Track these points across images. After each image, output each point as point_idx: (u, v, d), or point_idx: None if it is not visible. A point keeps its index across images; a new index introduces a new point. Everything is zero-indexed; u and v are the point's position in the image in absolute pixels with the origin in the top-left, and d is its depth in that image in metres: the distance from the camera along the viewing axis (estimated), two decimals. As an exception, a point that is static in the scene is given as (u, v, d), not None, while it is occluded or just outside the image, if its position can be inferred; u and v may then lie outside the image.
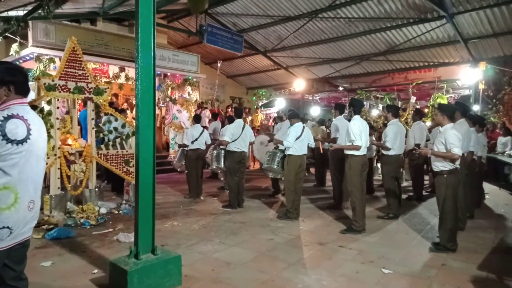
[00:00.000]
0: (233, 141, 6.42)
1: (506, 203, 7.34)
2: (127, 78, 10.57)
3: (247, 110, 14.04)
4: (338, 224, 5.63)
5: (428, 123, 9.52)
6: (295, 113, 6.16)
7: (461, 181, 4.77)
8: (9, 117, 1.90)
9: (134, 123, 7.03)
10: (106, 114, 6.22)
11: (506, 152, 9.26)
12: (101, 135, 6.14)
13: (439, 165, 4.49)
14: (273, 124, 11.32)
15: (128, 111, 11.14)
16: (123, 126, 6.39)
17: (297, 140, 5.71)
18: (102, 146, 6.13)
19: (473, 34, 9.54)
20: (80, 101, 6.73)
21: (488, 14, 8.63)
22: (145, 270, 3.10)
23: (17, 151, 1.91)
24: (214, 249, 4.44)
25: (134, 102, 12.38)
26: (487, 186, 7.95)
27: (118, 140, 6.34)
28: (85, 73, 5.78)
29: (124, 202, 6.54)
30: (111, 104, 7.59)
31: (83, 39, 9.04)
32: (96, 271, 3.69)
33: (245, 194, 7.02)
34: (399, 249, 4.60)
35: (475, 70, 10.55)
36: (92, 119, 6.02)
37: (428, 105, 12.28)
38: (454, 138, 4.32)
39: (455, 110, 4.91)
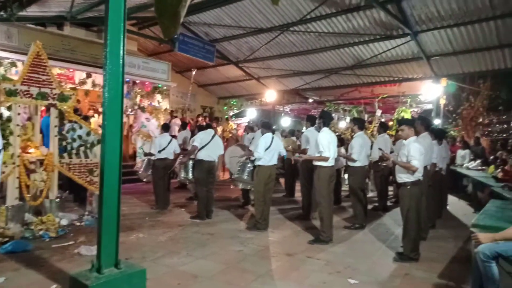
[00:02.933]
0: (201, 149, 6.35)
1: (465, 213, 7.68)
2: (94, 84, 10.29)
3: (218, 120, 13.96)
4: (307, 235, 5.67)
5: (386, 135, 9.77)
6: (268, 124, 6.21)
7: (423, 192, 4.96)
8: None
9: (100, 131, 6.87)
10: (70, 121, 6.00)
11: (465, 165, 9.74)
12: (64, 143, 5.90)
13: (403, 177, 4.65)
14: (243, 134, 11.32)
15: (94, 118, 10.83)
16: (88, 134, 6.18)
17: (267, 150, 5.74)
18: (65, 154, 5.89)
19: (435, 52, 10.04)
20: (43, 107, 6.46)
21: (449, 33, 9.13)
22: (108, 285, 2.98)
23: None
24: (181, 261, 4.34)
25: (100, 109, 12.09)
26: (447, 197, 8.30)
27: (82, 148, 6.11)
28: (50, 79, 5.56)
29: (86, 213, 6.28)
30: (75, 111, 7.32)
31: (49, 43, 8.71)
32: (54, 286, 3.51)
33: (214, 204, 6.94)
34: (365, 259, 4.69)
35: (436, 85, 11.08)
36: (55, 126, 5.77)
37: (393, 118, 12.75)
38: (415, 151, 4.50)
39: (414, 122, 5.15)
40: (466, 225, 6.69)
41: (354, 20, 9.33)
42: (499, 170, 7.42)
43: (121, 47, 3.21)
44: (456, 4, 7.96)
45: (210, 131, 6.54)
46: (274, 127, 9.89)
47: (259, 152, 5.65)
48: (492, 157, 9.23)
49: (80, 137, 6.07)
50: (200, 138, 6.36)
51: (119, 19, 3.17)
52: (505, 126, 13.91)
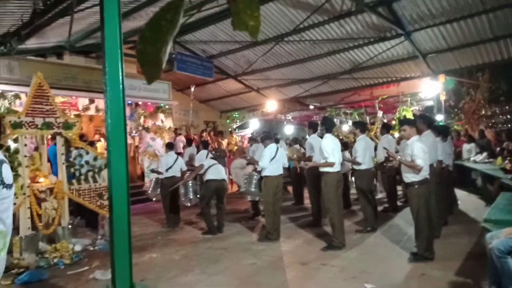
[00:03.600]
0: (208, 169, 6.41)
1: (476, 208, 7.63)
2: (97, 109, 10.43)
3: (219, 137, 13.98)
4: (319, 242, 5.67)
5: (396, 134, 9.81)
6: (268, 135, 6.27)
7: (431, 190, 4.96)
8: (2, 161, 1.84)
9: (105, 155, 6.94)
10: (76, 148, 6.09)
11: (472, 159, 9.69)
12: (72, 169, 5.99)
13: (409, 177, 4.66)
14: (248, 146, 11.39)
15: (100, 143, 10.95)
16: (95, 159, 6.27)
17: (272, 161, 5.78)
18: (74, 181, 5.97)
19: (430, 49, 10.09)
20: (48, 136, 6.58)
21: (442, 30, 9.18)
22: (125, 308, 3.00)
23: (8, 195, 1.84)
24: (196, 279, 4.35)
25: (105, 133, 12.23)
26: (457, 193, 8.24)
27: (90, 173, 6.19)
28: (53, 108, 5.68)
29: (99, 237, 6.32)
30: (81, 137, 7.44)
31: (50, 73, 8.87)
32: (73, 313, 3.54)
33: (225, 218, 6.96)
34: (380, 263, 4.68)
35: (435, 82, 11.10)
36: (62, 154, 5.87)
37: (395, 118, 12.75)
38: (418, 150, 4.52)
39: (415, 121, 5.17)
40: (478, 220, 6.65)
41: (347, 25, 9.44)
42: (507, 161, 7.38)
43: (120, 73, 3.29)
44: (446, 1, 8.03)
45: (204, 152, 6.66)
46: (278, 136, 10.01)
47: (264, 162, 5.69)
48: (498, 148, 9.17)
49: (87, 162, 6.16)
50: (208, 162, 6.46)
51: (115, 46, 3.26)
52: (508, 116, 13.87)
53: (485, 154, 9.37)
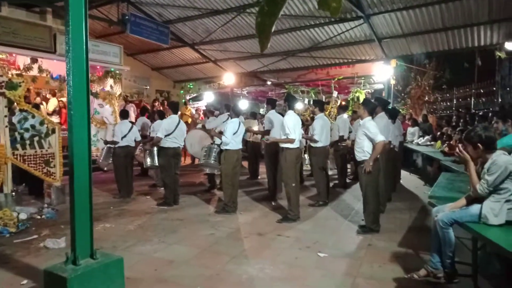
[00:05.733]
0: (166, 136, 6.24)
1: (416, 186, 8.28)
2: (40, 69, 9.61)
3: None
4: (275, 215, 5.85)
5: (345, 115, 10.06)
6: (238, 109, 6.22)
7: (381, 168, 5.29)
8: None
9: (52, 120, 6.50)
10: (21, 110, 5.62)
11: (415, 141, 10.42)
12: (15, 134, 5.54)
13: (361, 156, 4.92)
14: (203, 118, 11.22)
15: (42, 106, 10.19)
16: (41, 123, 5.85)
17: (234, 135, 5.77)
18: (18, 145, 5.53)
19: (386, 34, 10.49)
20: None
21: (398, 16, 9.56)
22: (86, 276, 2.92)
23: None
24: (154, 248, 4.33)
25: (47, 96, 11.36)
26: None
27: (36, 139, 5.78)
28: (-5, 65, 5.15)
29: (46, 205, 6.01)
30: (25, 99, 6.85)
31: (-15, 26, 8.00)
32: (25, 281, 3.38)
33: (180, 190, 6.88)
34: (331, 234, 4.96)
35: (387, 67, 11.63)
36: (5, 116, 5.38)
37: (348, 99, 13.24)
38: (374, 129, 4.77)
39: (376, 106, 5.42)
40: (418, 196, 7.25)
41: (310, 2, 9.46)
42: (445, 145, 8.04)
43: (84, 33, 3.07)
44: (405, -12, 8.35)
45: (175, 118, 6.41)
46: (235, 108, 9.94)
47: (227, 137, 5.67)
48: (439, 133, 9.94)
49: (33, 126, 5.74)
50: (165, 128, 6.20)
51: (80, 4, 3.02)
52: (448, 103, 14.98)
53: (427, 137, 10.13)
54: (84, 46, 3.10)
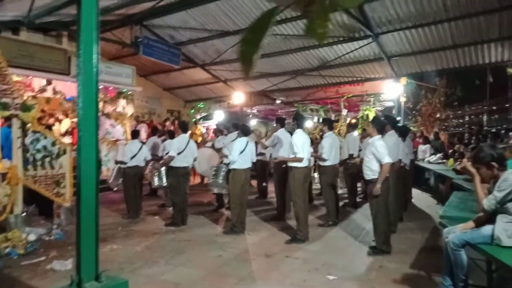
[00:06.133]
0: (177, 155, 6.28)
1: (428, 205, 8.10)
2: (54, 92, 9.86)
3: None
4: (283, 235, 5.77)
5: (355, 133, 10.03)
6: (246, 128, 6.23)
7: (390, 187, 5.20)
8: None
9: (63, 141, 6.62)
10: (34, 131, 5.73)
11: (426, 159, 10.26)
12: (27, 154, 5.63)
13: (370, 174, 4.85)
14: (214, 137, 11.28)
15: (55, 127, 10.40)
16: (53, 144, 5.94)
17: (241, 154, 5.78)
18: (29, 166, 5.62)
19: (395, 52, 10.49)
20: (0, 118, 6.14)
21: (407, 35, 9.58)
22: (90, 300, 2.90)
23: None
24: (161, 270, 4.29)
25: (60, 117, 11.60)
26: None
27: (47, 159, 5.86)
28: (10, 88, 5.30)
29: (55, 226, 6.03)
30: (39, 120, 7.01)
31: (4, 49, 8.23)
32: (30, 305, 3.36)
33: (188, 210, 6.87)
34: (341, 255, 4.85)
35: (397, 84, 11.58)
36: (18, 137, 5.50)
37: (358, 117, 13.18)
38: (382, 149, 4.71)
39: (386, 124, 5.37)
40: (430, 216, 7.08)
41: (318, 22, 9.56)
42: (457, 162, 7.88)
43: (95, 56, 3.14)
44: (413, 7, 8.37)
45: (185, 137, 6.47)
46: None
47: (233, 155, 5.68)
48: (451, 150, 9.78)
49: (45, 147, 5.82)
50: (176, 146, 6.26)
51: (91, 28, 3.10)
52: (460, 120, 14.82)
53: (438, 155, 9.96)
54: (95, 69, 3.17)
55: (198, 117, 16.64)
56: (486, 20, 8.62)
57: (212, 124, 15.96)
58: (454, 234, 3.11)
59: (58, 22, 8.22)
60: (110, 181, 7.45)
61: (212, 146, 8.04)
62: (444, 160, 9.51)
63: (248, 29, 1.20)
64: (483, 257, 3.33)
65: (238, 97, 14.74)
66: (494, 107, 13.27)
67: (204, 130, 14.75)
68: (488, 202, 2.92)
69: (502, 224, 2.87)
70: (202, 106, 16.63)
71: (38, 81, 9.68)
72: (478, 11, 8.28)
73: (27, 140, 5.72)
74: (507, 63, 10.20)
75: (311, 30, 1.14)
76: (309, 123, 15.17)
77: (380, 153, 4.68)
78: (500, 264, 2.67)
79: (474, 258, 3.69)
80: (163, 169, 6.59)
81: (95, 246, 3.17)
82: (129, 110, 11.93)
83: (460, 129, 14.00)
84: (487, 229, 2.94)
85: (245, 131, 6.09)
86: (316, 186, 9.45)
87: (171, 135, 7.33)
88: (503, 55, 10.00)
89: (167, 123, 13.75)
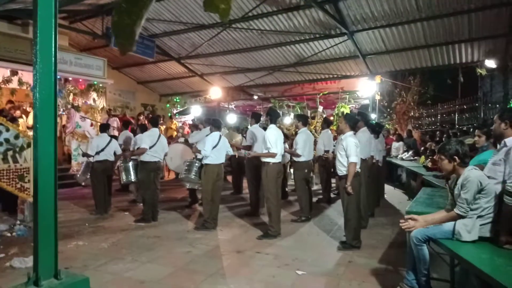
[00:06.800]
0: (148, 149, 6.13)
1: (400, 201, 8.26)
2: (20, 82, 9.45)
3: (161, 118, 13.60)
4: (256, 231, 5.73)
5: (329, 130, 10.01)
6: (218, 122, 6.15)
7: (362, 183, 5.25)
8: None
9: (29, 133, 6.36)
10: (-5, 123, 5.45)
11: (399, 156, 10.46)
12: (-12, 147, 5.36)
13: (343, 170, 4.87)
14: (189, 132, 11.12)
15: (22, 120, 9.98)
16: (16, 137, 5.67)
17: (214, 149, 5.69)
18: (-10, 160, 5.34)
19: (370, 50, 10.63)
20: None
21: (382, 33, 9.71)
22: (46, 299, 2.76)
23: None
24: (126, 267, 4.16)
25: (28, 109, 11.16)
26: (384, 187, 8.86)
27: (10, 153, 5.59)
28: (-33, 77, 5.01)
29: (18, 222, 5.77)
30: (1, 112, 6.69)
31: (-36, 37, 7.86)
32: (-17, 306, 3.19)
33: (160, 206, 6.74)
34: (311, 250, 4.86)
35: (372, 82, 11.76)
36: (-23, 129, 5.22)
37: (333, 114, 13.31)
38: (352, 147, 4.72)
39: (358, 121, 5.40)
40: (402, 212, 7.20)
41: (295, 18, 9.56)
42: (428, 160, 8.07)
43: (53, 45, 2.98)
44: (387, 5, 8.48)
45: (156, 131, 6.33)
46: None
47: (206, 150, 5.59)
48: (422, 148, 10.00)
49: (7, 140, 5.55)
50: (149, 140, 6.11)
51: (49, 14, 2.93)
52: (432, 119, 15.20)
53: (411, 152, 10.17)
54: (53, 59, 3.01)
55: (174, 111, 16.39)
56: (456, 21, 8.85)
57: (189, 119, 15.76)
58: (417, 229, 3.14)
59: (23, 10, 7.85)
60: (77, 176, 7.20)
61: (186, 142, 7.89)
62: (416, 157, 9.72)
63: None
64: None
65: (215, 92, 14.61)
66: (465, 106, 13.67)
67: (180, 125, 14.53)
68: (461, 209, 2.94)
69: (462, 220, 2.93)
70: (178, 100, 16.39)
71: (2, 72, 9.23)
72: (448, 12, 8.48)
73: (-12, 132, 5.44)
74: (477, 64, 10.50)
75: (213, 6, 1.04)
76: (286, 120, 15.22)
77: (349, 151, 4.71)
78: (460, 259, 2.71)
79: (440, 252, 3.77)
80: (131, 164, 6.43)
81: (54, 242, 3.02)
82: (101, 103, 11.59)
83: (433, 127, 14.35)
84: (448, 225, 2.99)
85: (217, 125, 6.00)
86: (292, 182, 9.50)
87: (143, 129, 7.16)
88: (473, 56, 10.31)
89: (141, 117, 13.46)
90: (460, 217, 2.95)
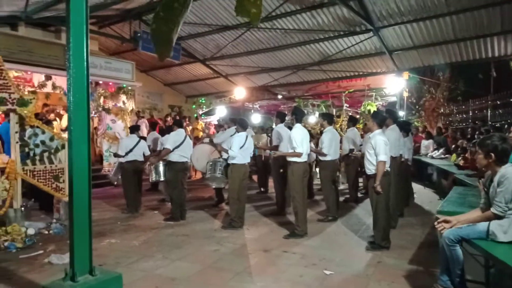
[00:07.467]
0: (173, 150, 6.25)
1: (430, 201, 8.03)
2: (54, 87, 9.86)
3: (187, 119, 13.85)
4: (282, 230, 5.74)
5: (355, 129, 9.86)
6: (244, 122, 6.19)
7: (391, 182, 5.14)
8: None
9: (63, 135, 6.64)
10: (31, 126, 5.73)
11: (429, 154, 10.17)
12: (26, 149, 5.63)
13: (372, 169, 4.79)
14: (215, 132, 11.27)
15: (56, 122, 10.40)
16: (51, 139, 5.93)
17: (241, 149, 5.74)
18: (28, 161, 5.62)
19: (397, 46, 10.40)
20: (0, 113, 6.14)
21: (409, 29, 9.48)
22: (83, 294, 2.89)
23: None
24: (157, 265, 4.27)
25: (61, 112, 11.63)
26: (413, 186, 8.64)
27: (46, 154, 5.86)
28: (7, 83, 5.28)
29: (54, 221, 6.04)
30: (36, 115, 7.00)
31: (2, 45, 8.26)
32: (24, 299, 3.36)
33: (188, 205, 6.86)
34: (339, 250, 4.81)
35: (399, 79, 11.49)
36: (16, 132, 5.49)
37: (359, 111, 13.09)
38: (381, 145, 4.63)
39: (386, 118, 5.29)
40: (432, 212, 7.01)
41: (319, 16, 9.49)
42: (460, 158, 7.81)
43: (85, 50, 3.11)
44: (414, 0, 8.27)
45: (182, 132, 6.45)
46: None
47: (234, 150, 5.64)
48: (453, 146, 9.68)
49: (43, 142, 5.82)
50: (173, 140, 6.24)
51: (81, 21, 3.06)
52: (464, 115, 14.67)
53: (441, 150, 9.87)
54: (85, 63, 3.14)
55: (200, 112, 16.62)
56: (487, 14, 8.52)
57: (214, 119, 15.94)
58: (450, 229, 3.06)
59: (56, 17, 8.19)
60: (110, 176, 7.45)
61: (211, 142, 8.00)
62: (447, 155, 9.43)
63: (161, 4, 1.09)
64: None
65: (240, 92, 14.70)
66: (498, 102, 13.09)
67: (204, 125, 14.72)
68: (498, 208, 2.83)
69: (498, 220, 2.82)
70: (204, 101, 16.61)
71: (37, 77, 9.66)
72: (479, 4, 8.19)
73: (26, 135, 5.72)
74: (510, 57, 10.06)
75: (243, 10, 1.06)
76: (311, 119, 15.10)
77: (378, 149, 4.63)
78: (495, 260, 2.62)
79: (473, 253, 3.65)
80: (161, 163, 6.57)
81: (88, 240, 3.16)
82: (130, 105, 11.92)
83: (464, 124, 13.84)
84: (482, 225, 2.89)
85: (243, 125, 6.04)
86: (318, 181, 9.43)
87: (169, 130, 7.31)
88: (506, 49, 9.89)
89: (169, 119, 13.74)
90: (497, 217, 2.84)
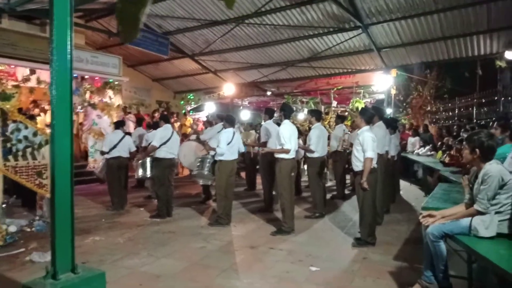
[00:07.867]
0: (161, 146, 6.18)
1: (416, 197, 8.13)
2: (39, 81, 9.65)
3: (175, 115, 13.71)
4: (269, 227, 5.74)
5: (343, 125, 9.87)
6: (231, 119, 6.15)
7: (378, 179, 5.18)
8: None
9: (47, 131, 6.51)
10: (14, 121, 5.59)
11: (415, 151, 10.28)
12: (8, 145, 5.50)
13: (359, 165, 4.81)
14: (203, 129, 11.18)
15: (41, 117, 10.20)
16: (35, 134, 5.79)
17: (228, 145, 5.70)
18: (10, 157, 5.48)
19: (385, 44, 10.45)
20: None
21: (397, 26, 9.53)
22: (64, 292, 2.83)
23: None
24: (142, 262, 4.23)
25: (46, 107, 11.40)
26: (400, 183, 8.73)
27: (29, 150, 5.72)
28: (-12, 76, 5.14)
29: (37, 218, 5.92)
30: (19, 110, 6.84)
31: (-16, 37, 8.05)
32: (4, 298, 3.29)
33: (175, 202, 6.81)
34: (326, 247, 4.84)
35: (387, 76, 11.56)
36: (-3, 127, 5.36)
37: (347, 109, 13.15)
38: (369, 142, 4.65)
39: (374, 115, 5.32)
40: (417, 208, 7.09)
41: (308, 13, 9.47)
42: (445, 155, 7.91)
43: (69, 43, 3.03)
44: (402, -3, 8.32)
45: (169, 127, 6.38)
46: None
47: (221, 147, 5.60)
48: (439, 143, 9.80)
49: (26, 138, 5.68)
50: (160, 136, 6.17)
51: (65, 13, 2.98)
52: (450, 113, 14.86)
53: (427, 147, 9.99)
54: (69, 56, 3.06)
55: (189, 108, 16.49)
56: (474, 12, 8.61)
57: (203, 115, 15.83)
58: (433, 225, 3.08)
59: (41, 10, 7.99)
60: (97, 172, 7.33)
61: (198, 139, 7.93)
62: (432, 153, 9.54)
63: None
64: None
65: (229, 88, 14.62)
66: (483, 100, 13.30)
67: (192, 121, 14.61)
68: (481, 205, 2.86)
69: (480, 216, 2.85)
70: (192, 97, 16.47)
71: (22, 71, 9.44)
72: (466, 3, 8.26)
73: (8, 130, 5.58)
74: (496, 56, 10.20)
75: None
76: (300, 115, 15.12)
77: (365, 146, 4.64)
78: (477, 255, 2.65)
79: (457, 249, 3.70)
80: (148, 160, 6.49)
81: (70, 237, 3.09)
82: (117, 100, 11.73)
83: (451, 121, 14.03)
84: (465, 221, 2.92)
85: (230, 121, 6.01)
86: (305, 178, 9.45)
87: (155, 126, 7.23)
88: (492, 48, 10.02)
89: (156, 114, 13.59)
90: (480, 213, 2.87)
